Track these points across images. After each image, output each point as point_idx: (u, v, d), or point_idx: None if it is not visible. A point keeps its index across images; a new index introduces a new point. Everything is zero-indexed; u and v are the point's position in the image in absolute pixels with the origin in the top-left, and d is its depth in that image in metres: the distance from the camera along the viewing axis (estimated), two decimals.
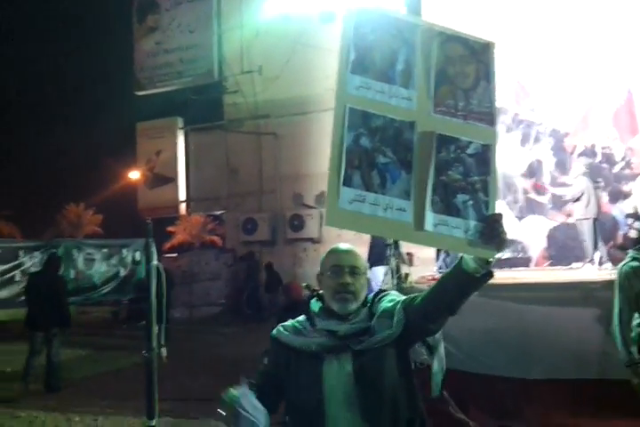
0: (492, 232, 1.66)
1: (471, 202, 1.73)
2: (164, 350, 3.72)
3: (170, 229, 40.32)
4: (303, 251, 15.54)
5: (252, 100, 16.12)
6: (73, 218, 42.01)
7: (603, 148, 9.54)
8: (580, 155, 9.46)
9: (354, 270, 1.96)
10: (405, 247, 6.66)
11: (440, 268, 7.70)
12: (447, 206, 1.71)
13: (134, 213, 18.34)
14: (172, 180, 17.16)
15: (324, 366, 1.89)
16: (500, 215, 1.70)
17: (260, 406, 1.86)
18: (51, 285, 7.77)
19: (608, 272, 7.33)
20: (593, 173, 8.67)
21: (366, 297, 2.01)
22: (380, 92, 1.76)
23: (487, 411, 5.21)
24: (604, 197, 9.22)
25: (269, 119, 16.10)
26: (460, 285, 1.74)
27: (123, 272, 15.34)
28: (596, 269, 7.77)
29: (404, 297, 1.97)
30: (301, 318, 2.04)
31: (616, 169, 9.46)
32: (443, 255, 7.65)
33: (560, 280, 6.44)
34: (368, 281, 2.07)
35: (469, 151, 1.78)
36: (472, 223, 1.71)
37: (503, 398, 5.23)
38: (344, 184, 1.66)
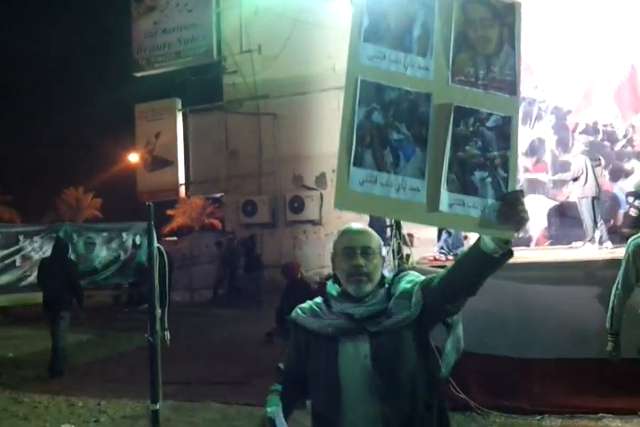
0: (511, 211, 1.57)
1: (489, 179, 1.63)
2: (167, 334, 3.71)
3: (169, 212, 40.35)
4: (303, 233, 15.52)
5: (252, 81, 15.94)
6: (72, 202, 42.07)
7: (604, 125, 9.45)
8: (582, 132, 9.37)
9: (367, 251, 1.91)
10: (406, 228, 6.62)
11: (441, 248, 7.66)
12: (464, 185, 1.61)
13: (134, 197, 18.28)
14: (172, 162, 17.06)
15: (339, 349, 1.87)
16: (520, 192, 1.61)
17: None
18: (61, 268, 7.99)
19: (608, 251, 7.31)
20: (594, 151, 8.58)
21: (384, 277, 1.97)
22: (394, 61, 1.64)
23: (488, 391, 5.23)
24: (606, 175, 9.16)
25: (269, 99, 15.94)
26: (479, 265, 1.67)
27: (123, 256, 15.34)
28: (597, 248, 7.73)
29: (421, 277, 1.92)
30: (319, 299, 2.02)
31: (618, 147, 9.38)
32: (444, 236, 7.60)
33: (560, 259, 6.42)
34: (383, 260, 2.01)
35: (489, 124, 1.67)
36: (490, 202, 1.61)
37: (504, 378, 5.24)
38: (354, 164, 1.57)
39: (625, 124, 9.38)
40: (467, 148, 1.64)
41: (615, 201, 9.14)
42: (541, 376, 5.13)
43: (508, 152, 1.66)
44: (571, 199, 8.75)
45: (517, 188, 1.65)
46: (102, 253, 15.12)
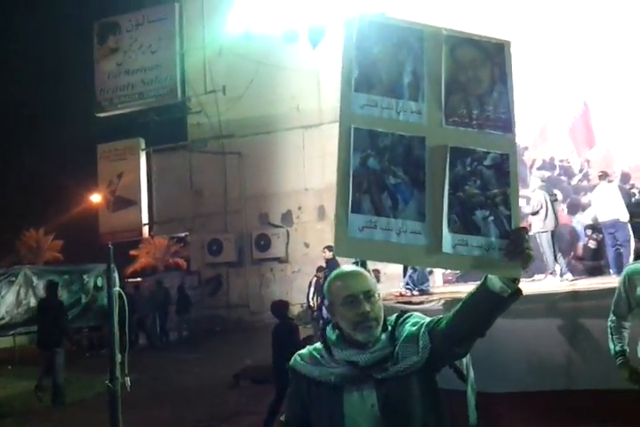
0: (517, 248, 1.54)
1: (492, 217, 1.62)
2: (127, 380, 3.61)
3: (133, 252, 39.55)
4: (270, 271, 15.42)
5: (216, 120, 16.07)
6: (32, 244, 41.01)
7: (561, 160, 9.78)
8: (539, 168, 9.66)
9: (369, 295, 1.82)
10: (372, 264, 6.64)
11: (407, 284, 7.68)
12: (466, 225, 1.60)
13: (95, 238, 17.95)
14: (135, 202, 16.89)
15: (344, 398, 1.79)
16: (524, 229, 1.59)
17: None
18: (52, 309, 8.63)
19: (569, 283, 7.45)
20: (550, 186, 8.83)
21: (386, 320, 1.90)
22: (387, 108, 1.67)
23: (454, 426, 5.18)
24: (564, 209, 9.42)
25: (233, 139, 16.06)
26: (488, 306, 1.63)
27: (84, 299, 14.93)
28: (558, 281, 7.87)
29: (427, 319, 1.86)
30: (318, 345, 1.92)
31: (574, 181, 9.69)
32: (410, 271, 7.64)
33: (523, 292, 6.51)
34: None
35: (487, 163, 1.67)
36: (494, 240, 1.59)
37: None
38: (352, 211, 1.56)
39: (580, 159, 9.72)
40: (466, 187, 1.63)
41: (574, 234, 9.38)
42: (506, 410, 5.11)
43: (509, 189, 1.66)
44: (530, 233, 8.96)
45: (519, 224, 1.63)
46: (63, 296, 14.68)
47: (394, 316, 1.92)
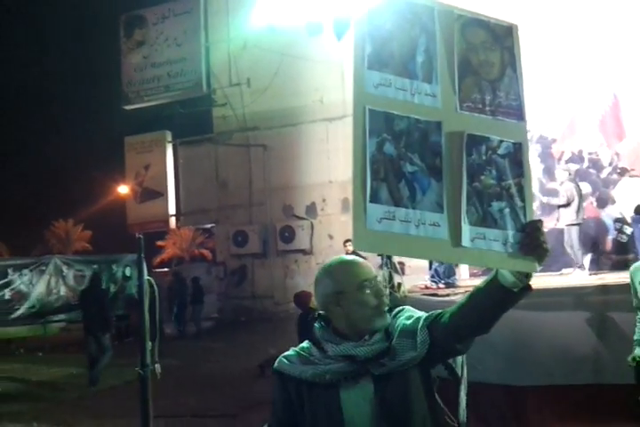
0: (533, 242, 1.48)
1: (507, 209, 1.54)
2: (157, 367, 3.67)
3: (159, 243, 40.07)
4: (294, 262, 15.50)
5: (241, 113, 16.15)
6: (62, 234, 41.83)
7: (590, 153, 9.63)
8: (568, 161, 9.53)
9: (377, 279, 1.81)
10: (395, 256, 6.65)
11: (432, 276, 7.68)
12: (483, 217, 1.52)
13: (123, 229, 18.23)
14: (162, 194, 17.09)
15: (341, 395, 1.72)
16: (540, 222, 1.52)
17: None
18: (96, 298, 9.38)
19: (598, 277, 7.37)
20: (580, 179, 8.71)
21: None
22: (401, 89, 1.55)
23: (480, 419, 5.19)
24: (593, 202, 9.29)
25: (258, 131, 16.13)
26: (497, 301, 1.56)
27: (113, 288, 15.21)
28: (587, 275, 7.78)
29: (421, 313, 1.80)
30: (305, 344, 1.84)
31: (604, 174, 9.54)
32: (435, 264, 7.62)
33: (551, 286, 6.46)
34: None
35: (501, 152, 1.59)
36: (510, 234, 1.52)
37: (496, 406, 5.21)
38: (371, 200, 1.45)
39: (610, 151, 9.56)
40: (482, 177, 1.55)
41: (603, 227, 9.25)
42: (534, 403, 5.11)
43: (523, 180, 1.58)
44: (559, 226, 8.84)
45: (535, 217, 1.55)
46: None
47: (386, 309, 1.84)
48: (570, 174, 8.40)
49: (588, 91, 9.46)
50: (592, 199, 9.27)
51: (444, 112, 1.58)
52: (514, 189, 1.56)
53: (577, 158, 9.65)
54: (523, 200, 1.56)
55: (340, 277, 1.76)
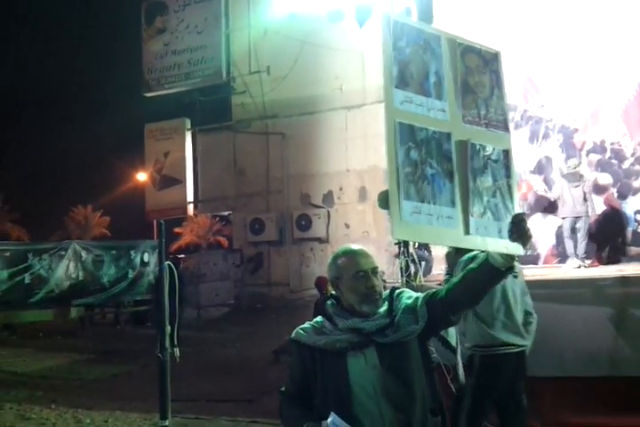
0: (519, 230, 1.81)
1: (500, 204, 1.93)
2: (176, 351, 3.72)
3: (177, 230, 40.32)
4: (310, 250, 15.52)
5: (260, 101, 16.11)
6: (81, 220, 42.29)
7: (612, 144, 9.47)
8: (590, 151, 9.40)
9: (375, 271, 2.06)
10: (412, 246, 6.63)
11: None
12: (484, 211, 1.89)
13: (142, 215, 18.39)
14: (180, 181, 17.15)
15: (348, 362, 1.97)
16: (524, 214, 1.87)
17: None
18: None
19: (617, 269, 7.29)
20: (601, 170, 8.61)
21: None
22: (420, 105, 1.89)
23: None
24: (614, 193, 9.16)
25: (277, 119, 16.09)
26: (486, 278, 1.90)
27: (131, 274, 15.39)
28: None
29: (418, 293, 2.09)
30: (319, 319, 2.12)
31: (625, 165, 9.38)
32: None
33: (569, 277, 6.41)
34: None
35: (493, 157, 1.96)
36: (503, 224, 1.88)
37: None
38: (404, 198, 1.79)
39: (633, 142, 9.40)
40: (481, 178, 1.92)
41: (624, 219, 9.12)
42: (550, 394, 5.08)
43: (510, 180, 1.97)
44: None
45: (520, 210, 1.96)
46: (110, 271, 15.17)
47: (387, 291, 2.14)
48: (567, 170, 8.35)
49: (611, 80, 9.28)
50: (613, 190, 9.13)
51: (452, 124, 1.94)
52: (504, 188, 1.95)
53: (599, 149, 9.50)
54: (511, 197, 1.96)
55: (341, 264, 2.08)
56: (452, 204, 1.86)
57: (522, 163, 9.61)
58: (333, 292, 2.14)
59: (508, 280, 4.03)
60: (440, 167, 1.87)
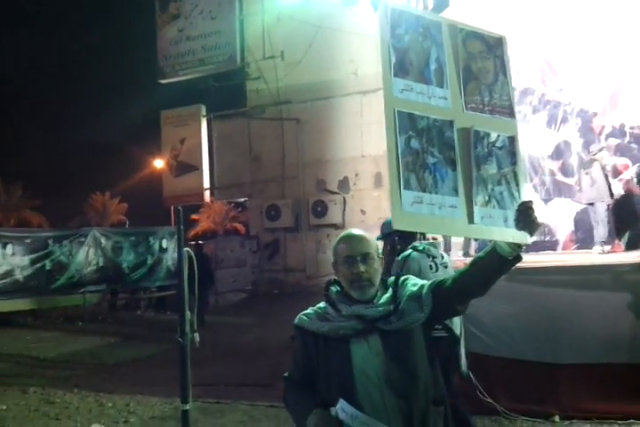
0: (526, 219, 1.77)
1: (506, 192, 1.89)
2: (196, 336, 3.76)
3: (194, 216, 40.57)
4: (326, 237, 15.55)
5: (274, 86, 16.05)
6: (99, 207, 42.70)
7: (631, 127, 9.33)
8: (608, 135, 9.26)
9: (366, 257, 2.03)
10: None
11: (465, 253, 7.65)
12: (488, 200, 1.86)
13: (159, 202, 18.52)
14: (197, 168, 17.22)
15: (352, 349, 1.96)
16: (531, 202, 1.81)
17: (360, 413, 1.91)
18: (200, 261, 11.08)
19: (636, 255, 7.21)
20: (620, 154, 8.48)
21: (386, 281, 2.11)
22: (420, 93, 1.86)
23: (515, 395, 5.20)
24: (634, 178, 9.03)
25: (292, 105, 16.04)
26: (494, 267, 1.87)
27: (150, 260, 15.55)
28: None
29: (424, 281, 2.07)
30: (322, 304, 2.11)
31: None
32: (474, 243, 7.60)
33: (588, 263, 6.36)
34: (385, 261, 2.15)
35: (498, 144, 1.92)
36: (509, 212, 1.84)
37: (532, 383, 5.21)
38: (404, 188, 1.77)
39: None
40: (486, 166, 1.89)
41: None
42: (570, 381, 5.08)
43: (516, 168, 1.94)
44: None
45: (527, 198, 1.89)
46: (130, 257, 15.35)
47: (392, 278, 2.12)
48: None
49: (630, 63, 9.11)
50: (633, 175, 9.01)
51: (454, 112, 1.90)
52: (510, 176, 1.92)
53: (618, 133, 9.37)
54: (517, 184, 1.92)
55: (336, 249, 2.10)
56: (455, 192, 1.84)
57: (540, 147, 9.51)
58: (335, 277, 2.13)
59: (440, 270, 4.06)
60: (442, 156, 1.84)
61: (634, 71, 9.17)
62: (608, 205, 7.84)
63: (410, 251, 4.18)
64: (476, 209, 1.83)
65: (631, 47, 8.96)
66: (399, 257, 4.18)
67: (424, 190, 1.79)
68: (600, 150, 8.33)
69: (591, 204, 7.99)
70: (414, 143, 1.81)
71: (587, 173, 8.00)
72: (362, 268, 2.00)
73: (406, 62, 1.86)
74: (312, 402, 2.00)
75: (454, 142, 1.86)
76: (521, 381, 5.24)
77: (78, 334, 11.65)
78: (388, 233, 4.36)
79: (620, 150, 8.95)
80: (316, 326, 2.04)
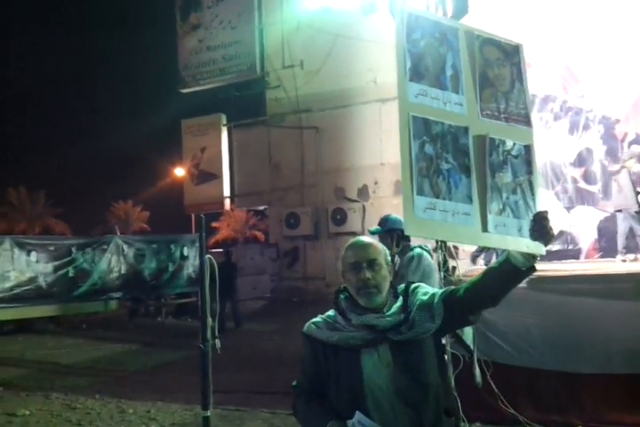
0: (541, 229, 1.74)
1: (521, 202, 1.86)
2: (217, 342, 3.77)
3: (214, 224, 40.85)
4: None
5: (294, 95, 16.15)
6: (121, 215, 43.21)
7: None
8: (631, 142, 9.14)
9: (372, 264, 1.99)
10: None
11: (488, 261, 7.59)
12: (503, 208, 1.83)
13: (180, 210, 18.69)
14: (217, 176, 17.37)
15: (362, 358, 1.94)
16: (546, 212, 1.78)
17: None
18: (228, 269, 11.58)
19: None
20: None
21: (396, 289, 2.07)
22: (435, 98, 1.85)
23: (537, 405, 5.13)
24: None
25: (311, 113, 16.11)
26: (507, 278, 1.83)
27: (171, 267, 15.67)
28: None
29: (435, 290, 2.05)
30: (331, 313, 2.09)
31: None
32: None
33: (611, 272, 6.26)
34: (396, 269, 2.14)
35: (514, 153, 1.89)
36: (524, 222, 1.82)
37: (554, 393, 5.14)
38: (417, 193, 1.74)
39: None
40: (500, 175, 1.86)
41: None
42: (592, 391, 5.00)
43: (532, 177, 1.91)
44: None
45: (542, 208, 1.86)
46: (152, 265, 15.49)
47: (402, 285, 2.09)
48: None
49: None
50: None
51: (469, 118, 1.88)
52: (525, 185, 1.89)
53: None
54: (532, 193, 1.89)
55: (343, 256, 2.07)
56: (469, 200, 1.81)
57: (562, 155, 9.42)
58: (344, 285, 2.10)
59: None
60: (456, 162, 1.81)
61: None
62: (636, 213, 7.75)
63: (420, 250, 4.23)
64: (490, 217, 1.81)
65: None
66: (409, 255, 4.21)
67: (437, 197, 1.77)
68: (631, 158, 8.25)
69: (619, 211, 7.90)
70: (428, 149, 1.78)
71: (614, 180, 7.93)
72: (368, 274, 1.97)
73: (422, 67, 1.86)
74: (325, 413, 1.96)
75: (469, 149, 1.84)
76: (543, 391, 5.17)
77: (100, 340, 11.75)
78: (390, 229, 4.38)
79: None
80: (325, 336, 2.01)
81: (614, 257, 7.95)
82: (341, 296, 2.08)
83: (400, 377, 1.90)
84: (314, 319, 2.11)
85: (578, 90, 9.43)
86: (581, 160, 9.48)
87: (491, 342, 5.01)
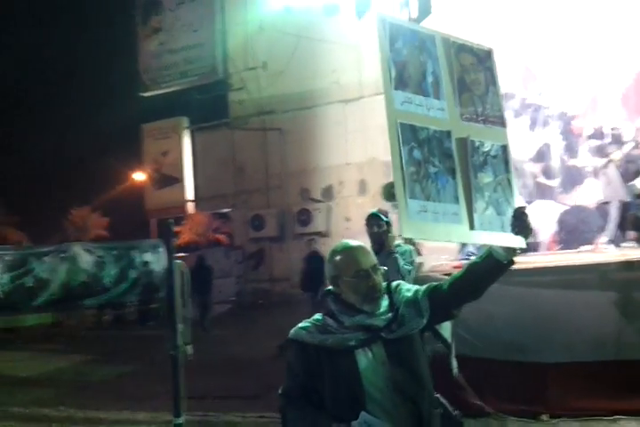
0: (522, 224, 1.87)
1: (502, 199, 1.97)
2: (189, 348, 3.72)
3: (175, 229, 40.23)
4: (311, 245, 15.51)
5: (257, 97, 16.10)
6: (79, 222, 42.14)
7: (612, 129, 9.43)
8: (590, 137, 9.35)
9: (375, 268, 2.03)
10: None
11: (469, 255, 7.66)
12: (486, 206, 1.94)
13: (141, 215, 18.39)
14: (179, 180, 17.19)
15: (357, 359, 1.96)
16: (524, 208, 1.91)
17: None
18: (203, 272, 12.06)
19: (621, 253, 7.25)
20: (601, 155, 8.57)
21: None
22: (419, 105, 1.93)
23: (503, 396, 5.18)
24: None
25: (275, 115, 16.07)
26: (490, 271, 1.94)
27: (133, 274, 15.38)
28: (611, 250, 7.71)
29: (416, 286, 2.10)
30: (318, 316, 2.08)
31: (625, 149, 9.35)
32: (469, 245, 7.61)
33: (574, 263, 6.37)
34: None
35: (492, 153, 2.00)
36: (505, 218, 1.92)
37: (519, 383, 5.19)
38: (410, 197, 1.82)
39: (632, 126, 9.37)
40: (482, 175, 1.96)
41: (625, 204, 9.09)
42: (556, 380, 5.07)
43: (509, 175, 2.02)
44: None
45: (520, 204, 1.99)
46: (112, 272, 15.17)
47: (384, 284, 2.09)
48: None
49: (610, 65, 9.23)
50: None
51: (451, 122, 1.97)
52: (505, 183, 1.99)
53: (598, 134, 9.46)
54: (511, 191, 2.00)
55: (340, 262, 2.04)
56: (457, 200, 1.90)
57: (522, 151, 9.57)
58: (330, 288, 2.09)
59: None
60: (442, 165, 1.89)
61: (612, 73, 9.29)
62: (623, 204, 8.03)
63: (407, 245, 4.52)
64: (475, 216, 1.90)
65: (610, 50, 9.08)
66: (401, 249, 4.44)
67: (428, 199, 1.85)
68: (616, 151, 8.52)
69: (606, 202, 8.15)
70: (416, 154, 1.86)
71: (603, 175, 8.18)
72: (376, 280, 2.00)
73: (405, 75, 1.92)
74: (322, 418, 1.95)
75: (453, 152, 1.93)
76: (509, 381, 5.22)
77: (60, 350, 11.44)
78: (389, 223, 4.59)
79: (599, 151, 9.02)
80: (318, 340, 2.00)
81: (575, 249, 8.13)
82: (331, 301, 2.07)
83: (396, 373, 1.94)
84: (300, 324, 2.08)
85: (536, 87, 9.60)
86: (540, 156, 9.64)
87: (456, 336, 5.03)
